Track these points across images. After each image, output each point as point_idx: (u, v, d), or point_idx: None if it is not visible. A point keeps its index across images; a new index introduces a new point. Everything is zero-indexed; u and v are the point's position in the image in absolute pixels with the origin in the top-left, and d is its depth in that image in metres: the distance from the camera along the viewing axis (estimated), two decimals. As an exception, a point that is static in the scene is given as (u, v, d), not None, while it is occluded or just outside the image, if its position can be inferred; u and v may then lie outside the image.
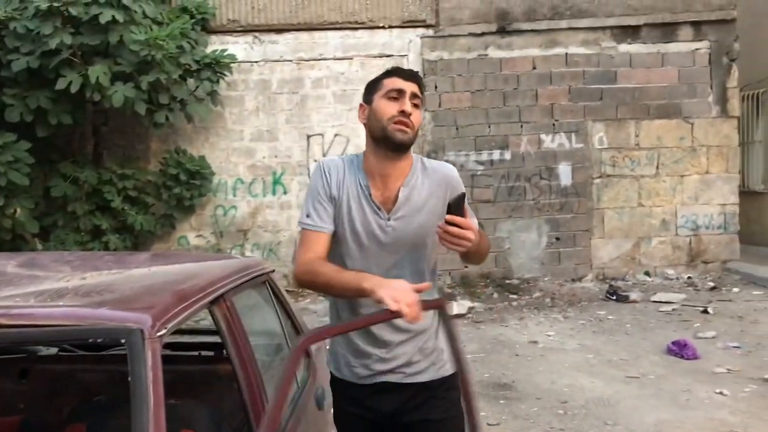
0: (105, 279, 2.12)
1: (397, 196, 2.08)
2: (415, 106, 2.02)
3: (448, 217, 1.84)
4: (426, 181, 2.11)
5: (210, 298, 1.98)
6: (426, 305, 1.83)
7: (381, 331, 2.11)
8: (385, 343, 2.11)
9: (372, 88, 2.08)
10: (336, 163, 2.14)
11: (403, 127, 2.00)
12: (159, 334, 1.54)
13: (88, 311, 1.58)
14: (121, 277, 2.14)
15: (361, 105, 2.11)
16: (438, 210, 2.06)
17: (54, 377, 2.85)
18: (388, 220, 2.07)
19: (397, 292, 1.78)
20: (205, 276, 2.15)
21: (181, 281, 2.03)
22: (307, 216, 2.09)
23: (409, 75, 2.05)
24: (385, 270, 2.03)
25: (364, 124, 2.11)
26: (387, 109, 2.01)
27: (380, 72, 2.14)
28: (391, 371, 2.13)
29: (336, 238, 2.09)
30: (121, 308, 1.63)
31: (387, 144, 2.02)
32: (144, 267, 2.45)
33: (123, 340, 1.48)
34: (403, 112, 1.99)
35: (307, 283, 2.06)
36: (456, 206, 1.86)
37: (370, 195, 2.08)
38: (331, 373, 2.27)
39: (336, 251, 2.10)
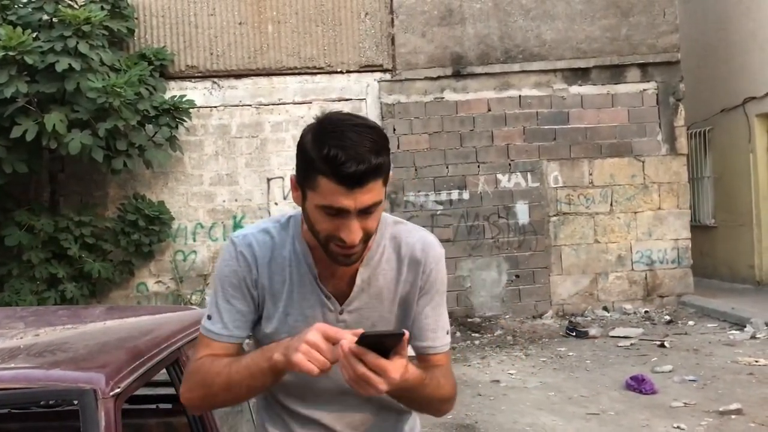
0: (58, 336, 2.11)
1: (353, 279, 1.55)
2: (369, 213, 1.42)
3: (353, 347, 1.30)
4: (395, 258, 1.58)
5: (166, 353, 1.99)
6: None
7: (323, 417, 1.61)
8: None
9: (305, 171, 1.41)
10: (260, 240, 1.56)
11: (348, 251, 1.43)
12: (113, 393, 1.55)
13: (40, 373, 1.58)
14: (75, 333, 2.13)
15: (292, 181, 1.48)
16: (408, 301, 1.59)
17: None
18: (341, 313, 1.55)
19: (310, 343, 1.32)
20: (161, 330, 2.16)
21: (136, 337, 2.04)
22: (209, 318, 1.54)
23: (357, 179, 1.35)
24: (336, 380, 1.46)
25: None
26: (324, 225, 1.42)
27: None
28: None
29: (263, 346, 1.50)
30: (73, 368, 1.64)
31: (330, 258, 1.48)
32: (98, 322, 2.45)
33: (76, 402, 1.49)
34: (344, 241, 1.41)
35: (200, 400, 1.51)
36: (375, 341, 1.30)
37: (317, 278, 1.54)
38: None
39: None
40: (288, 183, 9.20)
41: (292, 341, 1.36)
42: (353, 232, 1.39)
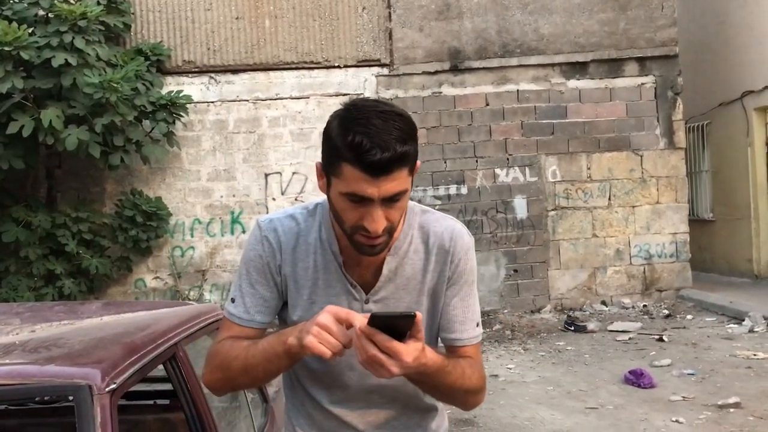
0: (54, 332, 2.10)
1: (380, 269, 1.53)
2: (394, 202, 1.39)
3: (364, 327, 1.28)
4: (422, 248, 1.55)
5: (162, 349, 1.98)
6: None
7: (346, 415, 1.59)
8: None
9: (330, 158, 1.39)
10: (285, 226, 1.55)
11: (374, 242, 1.40)
12: (109, 388, 1.54)
13: (35, 368, 1.57)
14: (71, 329, 2.12)
15: (318, 168, 1.47)
16: (437, 292, 1.56)
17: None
18: (366, 302, 1.52)
19: (321, 325, 1.31)
20: (157, 326, 2.15)
21: (132, 332, 2.02)
22: (232, 301, 1.55)
23: (382, 167, 1.32)
24: (363, 375, 1.49)
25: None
26: (348, 213, 1.40)
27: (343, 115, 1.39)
28: None
29: None
30: (68, 364, 1.62)
31: (355, 248, 1.45)
32: (95, 317, 2.43)
33: (71, 397, 1.48)
34: (368, 231, 1.38)
35: (221, 382, 1.51)
36: (387, 322, 1.28)
37: (342, 266, 1.52)
38: None
39: None
40: (286, 178, 9.19)
41: (305, 324, 1.35)
42: (376, 221, 1.36)
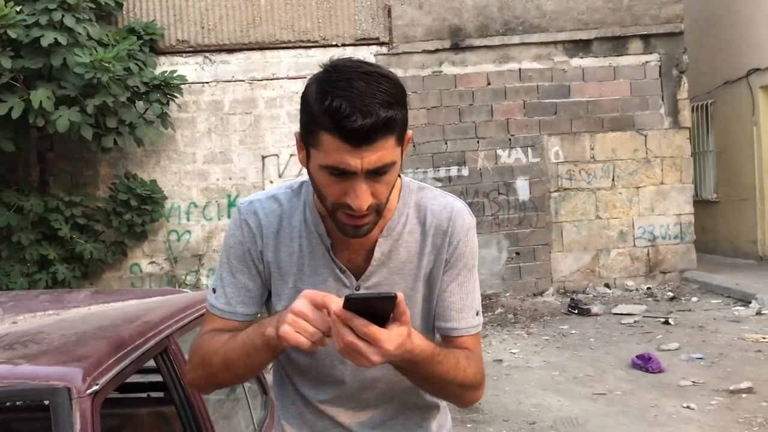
0: (35, 325, 1.93)
1: (371, 252, 1.38)
2: (380, 175, 1.24)
3: (339, 311, 1.13)
4: (419, 229, 1.41)
5: (152, 343, 1.81)
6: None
7: (339, 414, 1.45)
8: None
9: (308, 126, 1.24)
10: (267, 208, 1.40)
11: (358, 221, 1.26)
12: (90, 391, 1.37)
13: (6, 369, 1.40)
14: (53, 321, 1.95)
15: (297, 141, 1.31)
16: (434, 276, 1.42)
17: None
18: (357, 289, 1.38)
19: (296, 312, 1.17)
20: (148, 317, 1.98)
21: (120, 325, 1.86)
22: (213, 292, 1.41)
23: (364, 135, 1.17)
24: (357, 369, 1.34)
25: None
26: (329, 189, 1.25)
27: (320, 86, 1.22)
28: None
29: None
30: (45, 362, 1.45)
31: (338, 229, 1.32)
32: (82, 307, 2.27)
33: (47, 402, 1.31)
34: (351, 208, 1.24)
35: (203, 379, 1.38)
36: (364, 305, 1.13)
37: (330, 250, 1.38)
38: None
39: None
40: (283, 161, 9.00)
41: (282, 313, 1.21)
42: (360, 197, 1.21)
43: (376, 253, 1.37)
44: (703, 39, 11.02)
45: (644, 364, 5.77)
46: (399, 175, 1.38)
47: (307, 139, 1.25)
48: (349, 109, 1.15)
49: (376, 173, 1.22)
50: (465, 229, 1.41)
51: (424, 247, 1.39)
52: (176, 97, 8.38)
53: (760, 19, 9.92)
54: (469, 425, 4.76)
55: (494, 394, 5.40)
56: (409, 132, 1.29)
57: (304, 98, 1.24)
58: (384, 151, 1.20)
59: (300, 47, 9.06)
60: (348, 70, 1.20)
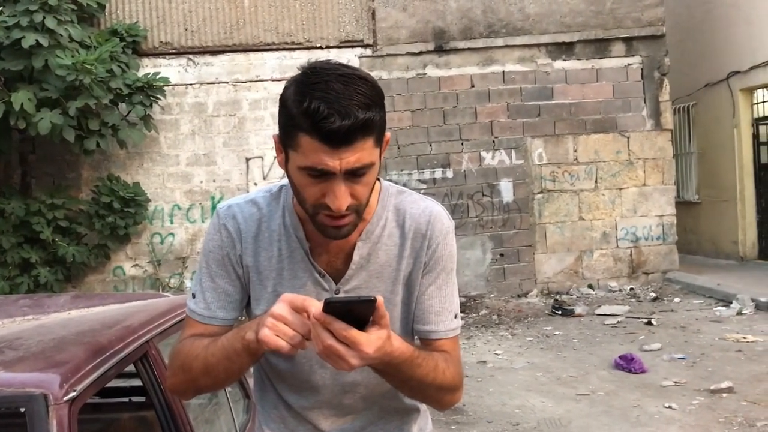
0: (14, 330, 1.92)
1: (350, 255, 1.39)
2: (359, 176, 1.25)
3: (319, 315, 1.13)
4: (398, 232, 1.41)
5: (132, 348, 1.81)
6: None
7: (320, 421, 1.46)
8: None
9: (286, 128, 1.25)
10: (246, 212, 1.41)
11: (338, 222, 1.27)
12: (68, 397, 1.36)
13: (-18, 376, 1.39)
14: (31, 327, 1.94)
15: (276, 143, 1.32)
16: (413, 280, 1.42)
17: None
18: (336, 292, 1.38)
19: (276, 316, 1.17)
20: (128, 322, 1.97)
21: (99, 330, 1.84)
22: (193, 297, 1.42)
23: (342, 136, 1.18)
24: (336, 374, 1.38)
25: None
26: (308, 190, 1.25)
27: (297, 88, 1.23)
28: None
29: None
30: (21, 368, 1.44)
31: (319, 231, 1.32)
32: (61, 312, 2.25)
33: (23, 409, 1.30)
34: (331, 209, 1.25)
35: (184, 385, 1.37)
36: (344, 308, 1.14)
37: (309, 253, 1.38)
38: None
39: None
40: (267, 163, 8.98)
41: (261, 317, 1.21)
42: (339, 198, 1.22)
43: (355, 257, 1.38)
44: (684, 42, 11.12)
45: (627, 364, 5.81)
46: (378, 179, 1.39)
47: (286, 141, 1.26)
48: (328, 110, 1.16)
49: (354, 174, 1.23)
50: (444, 232, 1.42)
51: (403, 250, 1.40)
52: (159, 99, 8.34)
53: (739, 23, 10.03)
54: (453, 427, 4.77)
55: (478, 395, 5.42)
56: (388, 134, 1.31)
57: (283, 101, 1.25)
58: (362, 152, 1.21)
59: (284, 49, 9.05)
60: (326, 72, 1.21)
